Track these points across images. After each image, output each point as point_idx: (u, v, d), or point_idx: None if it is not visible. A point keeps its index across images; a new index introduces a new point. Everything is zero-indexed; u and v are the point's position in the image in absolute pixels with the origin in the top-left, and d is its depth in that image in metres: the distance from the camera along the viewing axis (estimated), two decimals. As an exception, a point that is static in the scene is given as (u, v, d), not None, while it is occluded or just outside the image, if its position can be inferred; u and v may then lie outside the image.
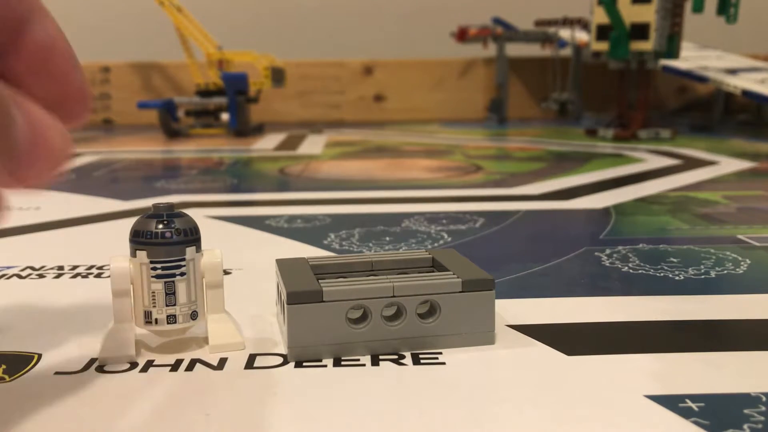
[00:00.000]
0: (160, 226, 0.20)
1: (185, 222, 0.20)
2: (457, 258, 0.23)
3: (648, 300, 0.26)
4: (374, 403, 0.18)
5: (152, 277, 0.20)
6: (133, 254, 0.20)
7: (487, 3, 1.25)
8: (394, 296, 0.20)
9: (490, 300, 0.21)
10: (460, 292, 0.21)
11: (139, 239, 0.20)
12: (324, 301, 0.20)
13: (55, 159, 0.16)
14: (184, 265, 0.20)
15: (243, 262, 0.32)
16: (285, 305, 0.20)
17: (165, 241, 0.20)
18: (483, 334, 0.21)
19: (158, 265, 0.20)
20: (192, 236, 0.20)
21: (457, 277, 0.21)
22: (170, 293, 0.20)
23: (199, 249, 0.21)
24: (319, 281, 0.21)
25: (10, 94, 0.14)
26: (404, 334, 0.21)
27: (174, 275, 0.20)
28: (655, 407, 0.17)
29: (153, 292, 0.20)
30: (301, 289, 0.20)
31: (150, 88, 1.25)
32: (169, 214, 0.20)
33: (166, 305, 0.20)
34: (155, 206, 0.20)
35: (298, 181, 0.59)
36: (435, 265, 0.23)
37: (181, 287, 0.20)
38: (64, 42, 0.17)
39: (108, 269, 0.31)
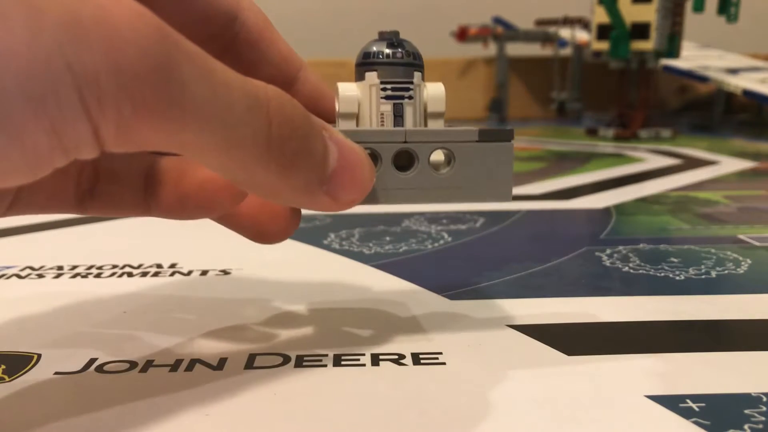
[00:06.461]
0: (390, 48, 0.20)
1: (412, 46, 0.21)
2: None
3: (648, 300, 0.26)
4: (374, 403, 0.18)
5: (381, 98, 0.20)
6: (361, 77, 0.20)
7: (487, 3, 1.25)
8: (406, 142, 0.20)
9: (509, 152, 0.20)
10: (476, 141, 0.20)
11: (369, 60, 0.20)
12: None
13: (362, 179, 0.18)
14: (412, 89, 0.20)
15: (243, 262, 0.31)
16: None
17: (396, 61, 0.20)
18: (500, 190, 0.20)
19: (388, 86, 0.20)
20: (419, 61, 0.21)
21: (474, 127, 0.20)
22: (398, 115, 0.20)
23: (422, 76, 0.21)
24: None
25: (322, 125, 0.17)
26: (416, 184, 0.20)
27: (402, 97, 0.20)
28: (656, 407, 0.17)
29: (382, 114, 0.20)
30: None
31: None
32: (397, 39, 0.20)
33: (394, 126, 0.20)
34: (381, 33, 0.21)
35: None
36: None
37: (408, 111, 0.20)
38: (326, 89, 0.22)
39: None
